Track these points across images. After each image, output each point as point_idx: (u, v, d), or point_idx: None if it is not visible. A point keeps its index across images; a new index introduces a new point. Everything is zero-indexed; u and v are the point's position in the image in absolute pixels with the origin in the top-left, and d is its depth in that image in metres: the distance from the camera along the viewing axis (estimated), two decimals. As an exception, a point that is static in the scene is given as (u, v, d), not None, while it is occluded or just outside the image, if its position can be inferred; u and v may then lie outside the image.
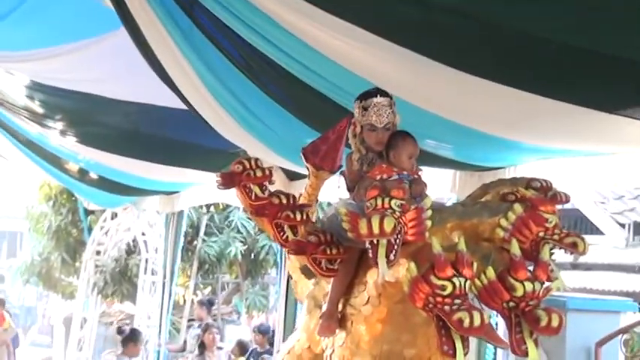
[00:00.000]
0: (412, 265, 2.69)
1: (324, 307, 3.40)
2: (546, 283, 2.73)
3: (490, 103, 3.87)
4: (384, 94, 3.37)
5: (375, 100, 3.33)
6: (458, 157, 4.99)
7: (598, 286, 9.90)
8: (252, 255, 13.02)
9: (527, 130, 4.18)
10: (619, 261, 10.68)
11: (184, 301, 12.92)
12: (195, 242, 12.45)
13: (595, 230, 11.60)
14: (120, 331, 8.35)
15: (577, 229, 11.47)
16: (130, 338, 8.21)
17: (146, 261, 11.10)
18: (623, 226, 11.68)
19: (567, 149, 4.44)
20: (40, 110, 7.39)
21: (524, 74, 3.43)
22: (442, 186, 5.30)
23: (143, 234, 11.32)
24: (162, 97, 5.96)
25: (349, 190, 3.43)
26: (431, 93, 4.01)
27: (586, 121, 3.63)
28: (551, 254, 2.86)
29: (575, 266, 10.38)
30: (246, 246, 12.74)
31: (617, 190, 11.36)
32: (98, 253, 12.29)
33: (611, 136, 3.87)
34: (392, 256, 2.74)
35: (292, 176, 6.59)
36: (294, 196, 3.45)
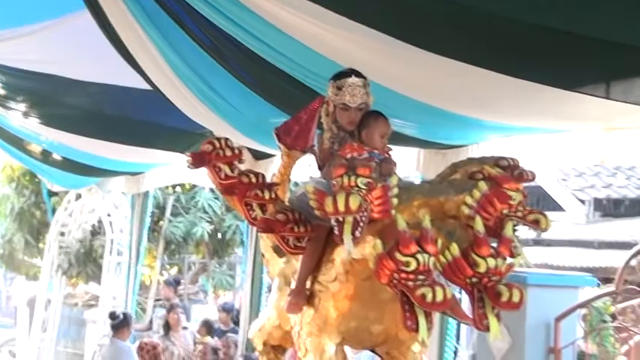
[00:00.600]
0: (378, 242, 2.73)
1: (293, 285, 3.44)
2: (509, 260, 2.79)
3: (454, 82, 3.92)
4: (358, 74, 3.40)
5: (349, 80, 3.36)
6: (423, 136, 5.04)
7: (559, 262, 10.05)
8: (219, 235, 13.00)
9: (489, 108, 4.24)
10: (579, 237, 10.84)
11: (150, 281, 12.88)
12: (161, 223, 12.40)
13: (556, 207, 11.74)
14: (113, 316, 8.20)
15: (539, 205, 11.61)
16: (124, 323, 8.13)
17: (111, 242, 11.04)
18: (583, 202, 11.85)
19: (529, 127, 4.50)
20: (1, 92, 7.30)
21: (487, 53, 3.48)
22: (407, 164, 5.35)
23: (108, 215, 11.26)
24: (127, 78, 5.93)
25: (320, 168, 3.47)
26: (397, 73, 4.05)
27: (547, 98, 3.69)
28: (515, 231, 2.91)
29: (536, 242, 10.55)
30: (213, 226, 12.72)
31: (577, 167, 11.50)
32: (62, 234, 12.19)
33: (572, 114, 3.94)
34: (357, 233, 2.77)
35: (258, 156, 6.61)
36: (263, 175, 3.48)
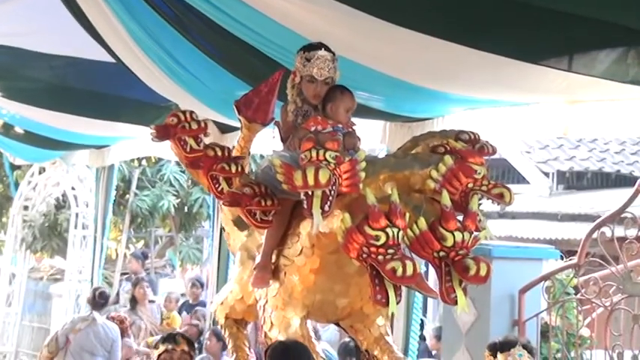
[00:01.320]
0: (347, 215, 2.74)
1: (258, 259, 3.43)
2: (475, 233, 2.81)
3: (419, 55, 3.91)
4: (327, 49, 3.40)
5: (318, 52, 3.35)
6: (388, 109, 5.04)
7: (523, 234, 10.13)
8: (186, 208, 12.94)
9: (454, 81, 4.24)
10: (543, 209, 10.93)
11: (117, 254, 12.81)
12: (127, 196, 12.31)
13: (521, 179, 11.83)
14: (103, 295, 7.84)
15: (504, 178, 11.70)
16: (107, 302, 7.89)
17: (76, 215, 10.94)
18: (547, 175, 11.95)
19: (493, 99, 4.52)
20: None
21: (451, 26, 3.47)
22: (373, 137, 5.35)
23: (73, 188, 11.14)
24: (91, 51, 5.84)
25: (283, 140, 3.45)
26: (362, 46, 4.03)
27: (510, 71, 3.70)
28: (479, 205, 2.94)
29: (501, 215, 10.63)
30: (179, 199, 12.65)
31: (541, 139, 11.58)
32: (26, 208, 12.06)
33: (535, 86, 3.95)
34: (326, 207, 2.78)
35: (224, 129, 6.57)
36: (228, 149, 3.47)
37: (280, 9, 3.92)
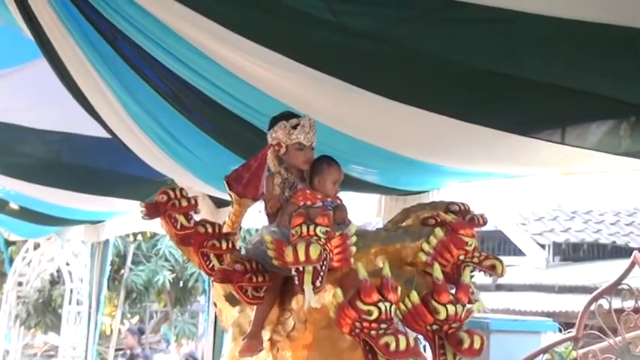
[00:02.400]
0: (338, 291, 2.70)
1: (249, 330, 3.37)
2: (468, 306, 2.77)
3: (412, 129, 3.93)
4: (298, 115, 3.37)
5: (302, 119, 3.34)
6: (383, 182, 5.05)
7: (520, 307, 10.06)
8: (181, 283, 12.88)
9: (448, 154, 4.25)
10: (540, 281, 10.87)
11: (111, 330, 12.66)
12: (122, 271, 12.25)
13: (517, 251, 11.81)
14: None
15: (500, 250, 11.67)
16: None
17: (71, 291, 10.85)
18: (543, 246, 11.93)
19: (487, 172, 4.53)
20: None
21: (443, 99, 3.50)
22: (368, 210, 5.35)
23: (67, 264, 11.07)
24: (85, 126, 5.87)
25: (268, 215, 3.42)
26: (354, 119, 4.05)
27: (504, 144, 3.71)
28: (472, 277, 2.91)
29: (498, 287, 10.56)
30: (175, 274, 12.61)
31: (537, 211, 11.60)
32: (20, 284, 11.97)
33: (528, 159, 3.96)
34: (318, 283, 2.74)
35: (219, 203, 6.56)
36: (219, 225, 3.44)
37: (271, 83, 3.96)
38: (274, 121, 3.38)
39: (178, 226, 3.36)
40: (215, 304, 3.90)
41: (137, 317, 14.39)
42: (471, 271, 2.93)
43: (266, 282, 3.19)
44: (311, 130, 3.34)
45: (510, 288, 10.40)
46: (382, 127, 4.05)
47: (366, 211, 5.32)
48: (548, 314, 9.27)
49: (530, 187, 4.48)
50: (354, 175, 4.70)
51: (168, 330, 14.19)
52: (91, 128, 5.82)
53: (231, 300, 3.56)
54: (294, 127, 3.33)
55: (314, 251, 2.70)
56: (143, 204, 3.43)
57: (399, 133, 4.08)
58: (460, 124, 3.56)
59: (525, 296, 10.47)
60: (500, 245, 11.91)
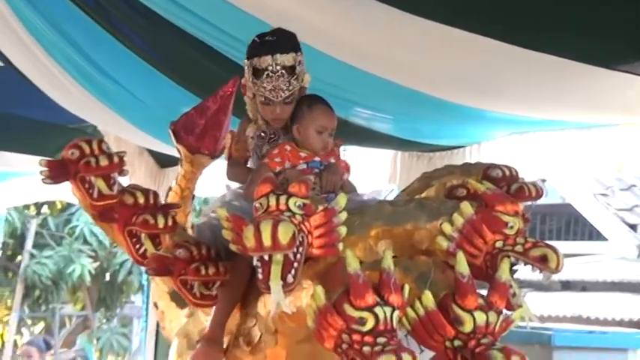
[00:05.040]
0: (319, 289, 2.75)
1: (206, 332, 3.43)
2: (506, 313, 2.84)
3: (445, 56, 3.97)
4: (283, 47, 3.36)
5: (269, 62, 3.33)
6: (399, 133, 5.11)
7: (598, 314, 10.17)
8: (107, 276, 12.97)
9: (496, 94, 4.30)
10: (627, 278, 10.94)
11: (3, 343, 12.80)
12: (18, 258, 12.33)
13: (594, 234, 11.83)
14: None
15: (569, 233, 11.73)
16: None
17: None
18: (633, 227, 11.91)
19: (552, 119, 4.60)
20: None
21: (493, 16, 3.52)
22: (377, 173, 5.41)
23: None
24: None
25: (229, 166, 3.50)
26: (361, 42, 4.08)
27: (579, 79, 3.78)
28: (513, 272, 2.97)
29: (565, 286, 10.67)
30: (98, 263, 12.68)
31: (623, 177, 11.62)
32: None
33: (612, 101, 4.01)
34: (290, 278, 2.80)
35: (164, 162, 6.62)
36: (155, 193, 3.45)
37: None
38: (249, 49, 3.41)
39: (95, 194, 3.38)
40: (156, 306, 3.96)
41: (42, 324, 14.51)
42: (513, 265, 2.99)
43: (220, 275, 3.25)
44: (282, 84, 3.31)
45: (583, 287, 10.52)
46: (399, 53, 4.09)
47: (374, 174, 5.37)
48: (637, 324, 9.38)
49: (613, 142, 4.52)
50: (359, 123, 4.75)
51: (88, 343, 14.33)
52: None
53: (178, 299, 3.62)
54: (257, 75, 3.34)
55: (284, 233, 2.74)
56: (44, 162, 3.46)
57: (425, 62, 4.12)
58: (513, 51, 3.60)
59: (606, 298, 10.57)
60: (570, 225, 11.91)
